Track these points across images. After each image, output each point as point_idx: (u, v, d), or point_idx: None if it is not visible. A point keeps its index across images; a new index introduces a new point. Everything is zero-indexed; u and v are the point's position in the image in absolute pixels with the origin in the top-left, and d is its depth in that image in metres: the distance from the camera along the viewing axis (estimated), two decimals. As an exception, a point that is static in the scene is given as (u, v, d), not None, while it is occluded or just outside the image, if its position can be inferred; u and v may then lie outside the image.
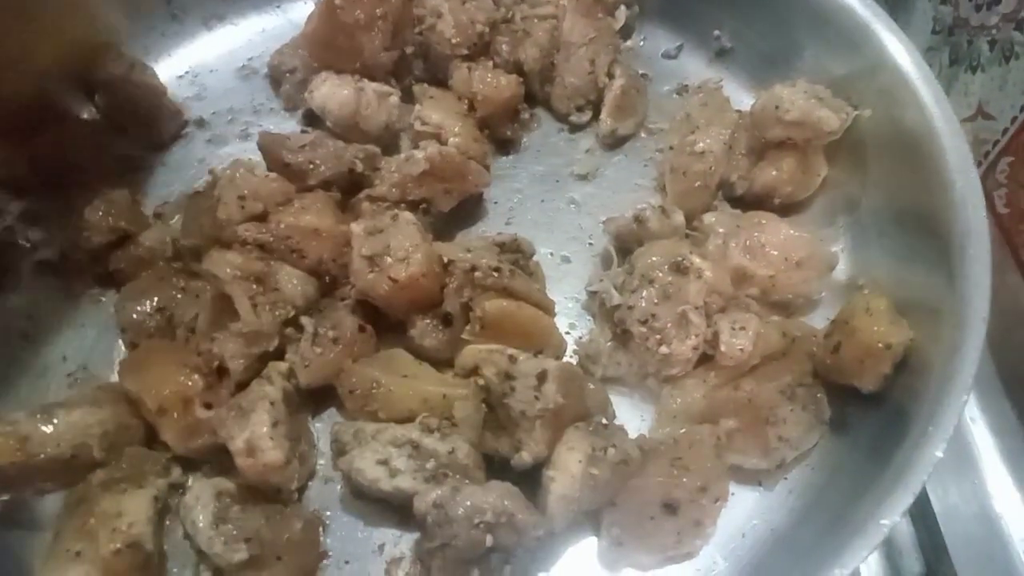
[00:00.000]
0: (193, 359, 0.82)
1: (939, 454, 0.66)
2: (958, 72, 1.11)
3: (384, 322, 0.85)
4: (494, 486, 0.74)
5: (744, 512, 0.82)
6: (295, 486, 0.80)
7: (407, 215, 0.84)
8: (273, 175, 0.94)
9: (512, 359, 0.75)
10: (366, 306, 0.84)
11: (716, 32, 1.10)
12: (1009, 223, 0.98)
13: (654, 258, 0.85)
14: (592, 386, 0.82)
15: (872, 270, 0.92)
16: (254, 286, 0.84)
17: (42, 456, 0.77)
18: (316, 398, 0.86)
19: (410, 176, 0.90)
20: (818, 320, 0.90)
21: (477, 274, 0.81)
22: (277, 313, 0.83)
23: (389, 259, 0.80)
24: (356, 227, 0.83)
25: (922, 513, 0.91)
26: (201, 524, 0.75)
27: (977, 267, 0.76)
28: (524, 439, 0.75)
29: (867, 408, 0.82)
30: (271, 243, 0.87)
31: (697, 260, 0.84)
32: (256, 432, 0.76)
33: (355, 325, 0.83)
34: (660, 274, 0.84)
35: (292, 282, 0.86)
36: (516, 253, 0.85)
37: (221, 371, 0.82)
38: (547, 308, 0.87)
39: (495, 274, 0.81)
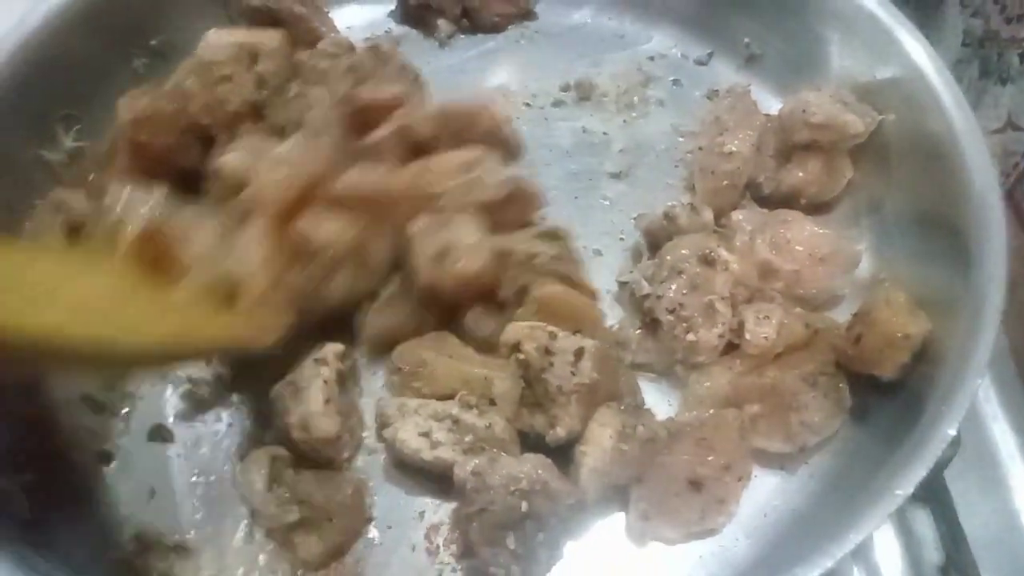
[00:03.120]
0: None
1: (951, 432, 0.70)
2: (988, 84, 1.14)
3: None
4: (529, 457, 0.79)
5: (766, 494, 0.85)
6: (345, 456, 0.85)
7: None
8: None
9: (552, 336, 0.80)
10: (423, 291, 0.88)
11: (745, 40, 1.15)
12: (1041, 234, 1.00)
13: (683, 251, 0.89)
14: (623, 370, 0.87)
15: (893, 267, 0.95)
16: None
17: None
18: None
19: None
20: (839, 315, 0.93)
21: (536, 261, 0.85)
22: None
23: (453, 255, 0.84)
24: (416, 226, 0.87)
25: (942, 505, 0.94)
26: (258, 486, 0.80)
27: (992, 261, 0.79)
28: (559, 414, 0.79)
29: (885, 397, 0.85)
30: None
31: (724, 253, 0.89)
32: (310, 409, 0.82)
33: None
34: (689, 266, 0.88)
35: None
36: (558, 240, 0.90)
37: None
38: (593, 294, 0.92)
39: (554, 261, 0.86)
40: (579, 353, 0.79)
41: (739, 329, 0.87)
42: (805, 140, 0.98)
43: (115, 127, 0.94)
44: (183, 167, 0.95)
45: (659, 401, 0.90)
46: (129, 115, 0.92)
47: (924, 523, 0.94)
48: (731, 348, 0.89)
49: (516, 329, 0.82)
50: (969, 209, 0.84)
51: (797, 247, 0.93)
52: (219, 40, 1.01)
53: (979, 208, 0.84)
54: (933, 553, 0.94)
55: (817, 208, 1.01)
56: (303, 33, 1.08)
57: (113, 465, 0.89)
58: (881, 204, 1.00)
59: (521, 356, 0.81)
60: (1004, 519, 0.95)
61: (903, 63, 0.96)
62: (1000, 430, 1.01)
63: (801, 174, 0.99)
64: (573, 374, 0.78)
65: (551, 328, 0.81)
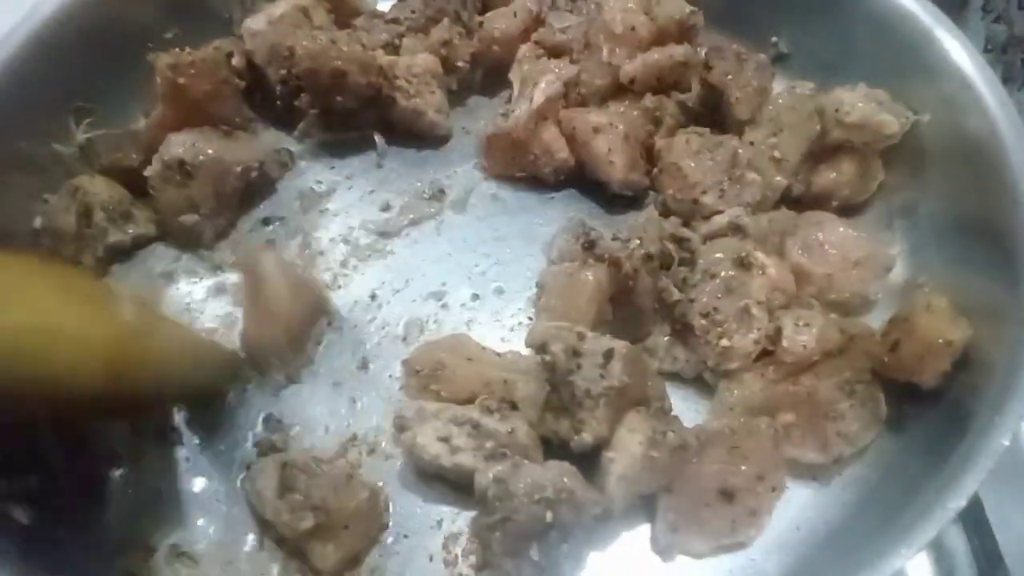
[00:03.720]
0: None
1: (1005, 442, 0.67)
2: (1011, 91, 1.12)
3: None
4: (553, 465, 0.76)
5: (798, 506, 0.82)
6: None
7: None
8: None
9: (581, 337, 0.77)
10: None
11: (773, 38, 1.12)
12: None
13: (718, 254, 0.86)
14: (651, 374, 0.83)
15: (928, 273, 0.92)
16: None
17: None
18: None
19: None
20: (872, 322, 0.90)
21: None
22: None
23: None
24: None
25: (975, 521, 0.91)
26: (268, 494, 0.77)
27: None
28: (586, 419, 0.76)
29: (924, 407, 0.82)
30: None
31: (761, 256, 0.86)
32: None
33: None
34: (723, 269, 0.85)
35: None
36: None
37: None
38: None
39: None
40: (608, 355, 0.76)
41: (775, 336, 0.83)
42: (838, 140, 0.95)
43: (155, 82, 0.96)
44: (223, 115, 1.00)
45: (686, 409, 0.87)
46: (168, 60, 0.94)
47: (956, 538, 0.91)
48: (763, 355, 0.86)
49: (542, 329, 0.79)
50: (1016, 213, 0.81)
51: (831, 250, 0.90)
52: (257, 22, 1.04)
53: (1024, 210, 0.80)
54: (966, 570, 0.90)
55: (848, 211, 0.98)
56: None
57: (120, 469, 0.85)
58: (915, 207, 0.97)
59: (547, 358, 0.78)
60: (1040, 534, 0.91)
61: (942, 62, 0.93)
62: (1036, 444, 0.97)
63: (834, 175, 0.96)
64: (602, 376, 0.75)
65: (579, 329, 0.78)
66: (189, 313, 0.95)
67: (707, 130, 0.97)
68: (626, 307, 0.87)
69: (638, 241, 0.86)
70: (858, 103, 0.94)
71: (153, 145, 0.97)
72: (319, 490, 0.77)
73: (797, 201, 0.99)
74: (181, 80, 0.95)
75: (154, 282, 0.98)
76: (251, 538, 0.81)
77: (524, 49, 1.06)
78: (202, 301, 0.96)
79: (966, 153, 0.89)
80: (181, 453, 0.86)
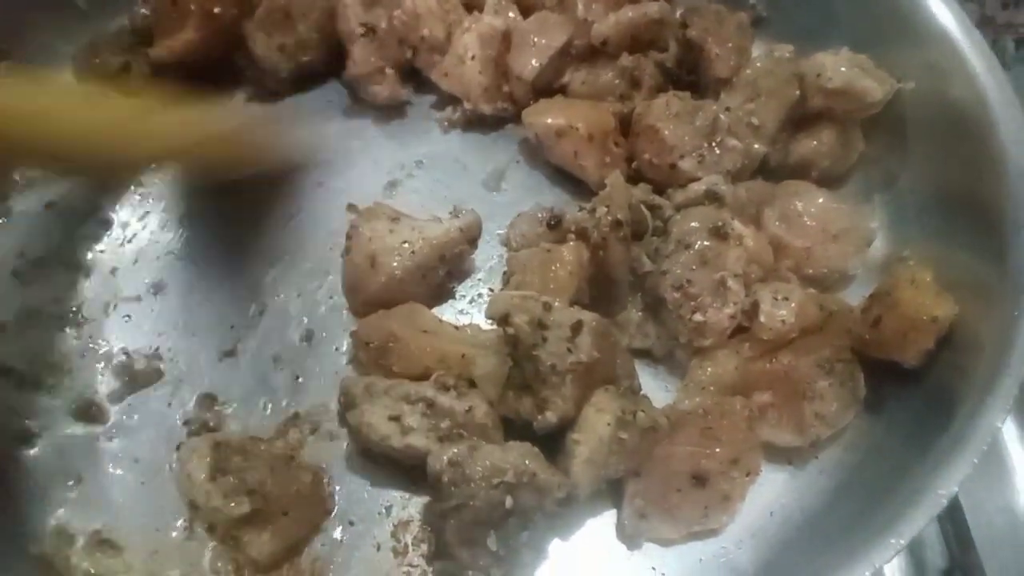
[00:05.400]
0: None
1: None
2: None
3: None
4: (514, 446, 0.70)
5: (773, 491, 0.78)
6: None
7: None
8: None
9: (547, 307, 0.71)
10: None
11: (751, 1, 1.06)
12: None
13: (693, 223, 0.81)
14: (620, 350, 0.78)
15: (910, 248, 0.88)
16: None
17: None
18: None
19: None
20: (850, 299, 0.86)
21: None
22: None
23: None
24: None
25: (948, 507, 0.88)
26: (199, 476, 0.70)
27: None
28: (550, 397, 0.70)
29: (905, 388, 0.78)
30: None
31: (739, 226, 0.80)
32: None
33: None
34: (698, 239, 0.80)
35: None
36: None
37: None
38: None
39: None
40: (576, 327, 0.70)
41: (751, 311, 0.78)
42: (818, 107, 0.91)
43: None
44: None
45: (656, 388, 0.82)
46: None
47: (928, 525, 0.88)
48: (738, 331, 0.81)
49: (504, 299, 0.73)
50: (1003, 185, 0.77)
51: (809, 222, 0.85)
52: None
53: (1016, 184, 0.76)
54: (937, 557, 0.88)
55: (827, 182, 0.94)
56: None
57: (35, 448, 0.78)
58: (896, 179, 0.93)
59: (510, 330, 0.71)
60: (1011, 519, 0.89)
61: (927, 26, 0.88)
62: (1007, 429, 0.94)
63: (814, 144, 0.91)
64: (569, 351, 0.69)
65: (545, 298, 0.72)
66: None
67: (687, 94, 0.91)
68: (601, 285, 0.82)
69: (605, 208, 0.80)
70: (840, 68, 0.89)
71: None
72: (256, 472, 0.70)
73: (775, 171, 0.94)
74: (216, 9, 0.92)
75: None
76: (180, 524, 0.74)
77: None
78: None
79: (951, 122, 0.85)
80: (104, 431, 0.79)
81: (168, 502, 0.75)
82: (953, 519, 0.89)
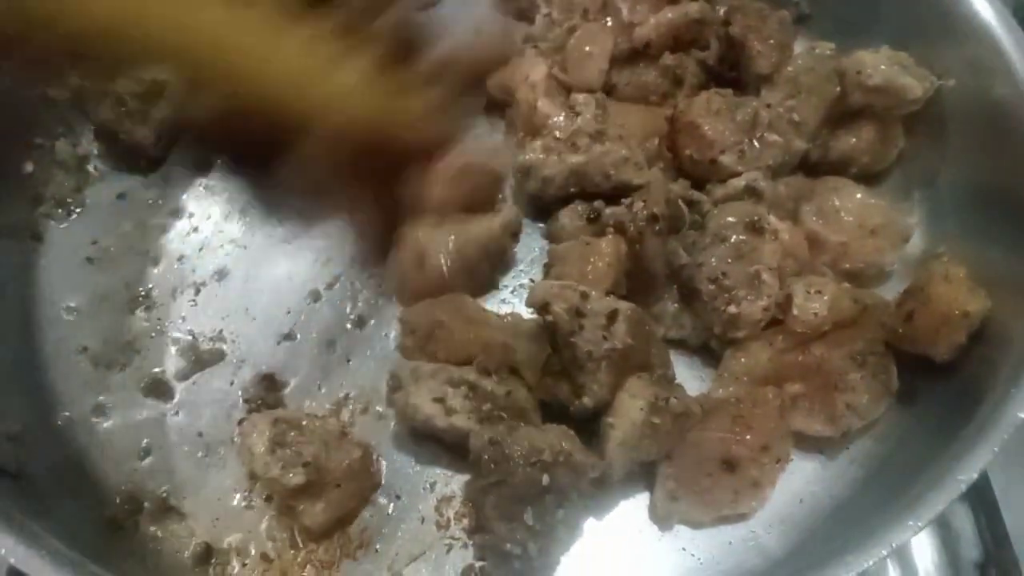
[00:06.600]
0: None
1: (1022, 415, 0.64)
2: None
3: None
4: (551, 428, 0.74)
5: (803, 479, 0.80)
6: None
7: None
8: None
9: (584, 296, 0.74)
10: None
11: (794, -1, 1.07)
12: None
13: (730, 218, 0.83)
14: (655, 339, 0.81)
15: (947, 244, 0.89)
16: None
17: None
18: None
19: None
20: (886, 293, 0.87)
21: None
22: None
23: None
24: None
25: (983, 500, 0.89)
26: (259, 448, 0.75)
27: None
28: (587, 383, 0.74)
29: (936, 381, 0.79)
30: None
31: (774, 220, 0.82)
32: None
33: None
34: (734, 233, 0.82)
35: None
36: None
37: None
38: None
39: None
40: (612, 316, 0.73)
41: (785, 303, 0.80)
42: (858, 104, 0.91)
43: None
44: None
45: (690, 378, 0.85)
46: None
47: (963, 518, 0.89)
48: (771, 323, 0.83)
49: (544, 288, 0.76)
50: (1041, 182, 0.77)
51: (846, 217, 0.86)
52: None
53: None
54: (972, 550, 0.88)
55: (866, 179, 0.95)
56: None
57: (109, 420, 0.84)
58: (935, 176, 0.93)
59: (549, 318, 0.75)
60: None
61: (969, 24, 0.89)
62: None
63: (853, 141, 0.92)
64: (605, 338, 0.72)
65: (583, 288, 0.75)
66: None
67: (729, 91, 0.93)
68: (638, 277, 0.84)
69: (642, 203, 0.83)
70: (880, 66, 0.90)
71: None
72: (311, 447, 0.75)
73: (814, 167, 0.95)
74: None
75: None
76: (240, 494, 0.79)
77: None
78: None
79: (991, 120, 0.86)
80: (171, 407, 0.85)
81: (229, 473, 0.80)
82: (988, 514, 0.89)
